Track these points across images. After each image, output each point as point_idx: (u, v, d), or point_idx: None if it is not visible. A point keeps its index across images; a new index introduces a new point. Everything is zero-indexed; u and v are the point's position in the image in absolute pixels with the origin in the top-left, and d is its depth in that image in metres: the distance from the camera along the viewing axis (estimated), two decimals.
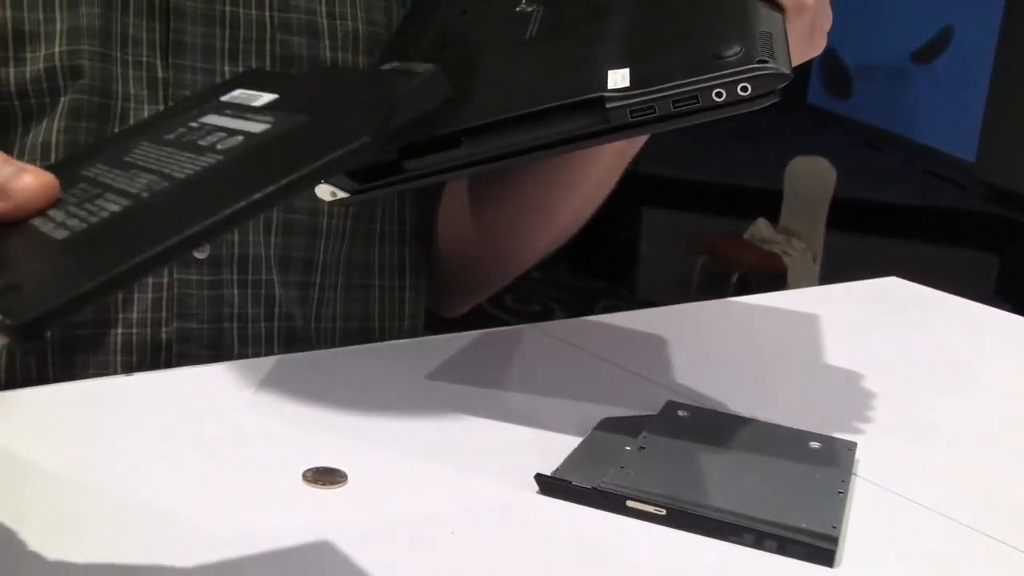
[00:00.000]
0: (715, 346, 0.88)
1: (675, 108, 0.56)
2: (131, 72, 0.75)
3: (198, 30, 0.76)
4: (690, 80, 0.56)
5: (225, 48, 0.77)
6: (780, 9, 0.64)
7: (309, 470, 0.59)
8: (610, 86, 0.58)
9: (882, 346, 0.93)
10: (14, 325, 0.36)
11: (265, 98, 0.53)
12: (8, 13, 0.72)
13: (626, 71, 0.58)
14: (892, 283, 1.15)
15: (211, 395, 0.69)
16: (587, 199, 0.87)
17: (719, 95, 0.55)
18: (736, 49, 0.56)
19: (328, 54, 0.80)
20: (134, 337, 0.77)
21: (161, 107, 0.76)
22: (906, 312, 1.05)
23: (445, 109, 0.51)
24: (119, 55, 0.75)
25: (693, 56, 0.57)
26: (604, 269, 5.16)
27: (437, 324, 1.00)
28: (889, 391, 0.81)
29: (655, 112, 0.57)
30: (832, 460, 0.65)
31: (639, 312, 0.94)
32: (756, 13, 0.62)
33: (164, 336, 0.77)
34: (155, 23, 0.76)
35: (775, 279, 4.57)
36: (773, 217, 4.65)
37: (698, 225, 4.93)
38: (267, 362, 0.75)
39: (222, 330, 0.79)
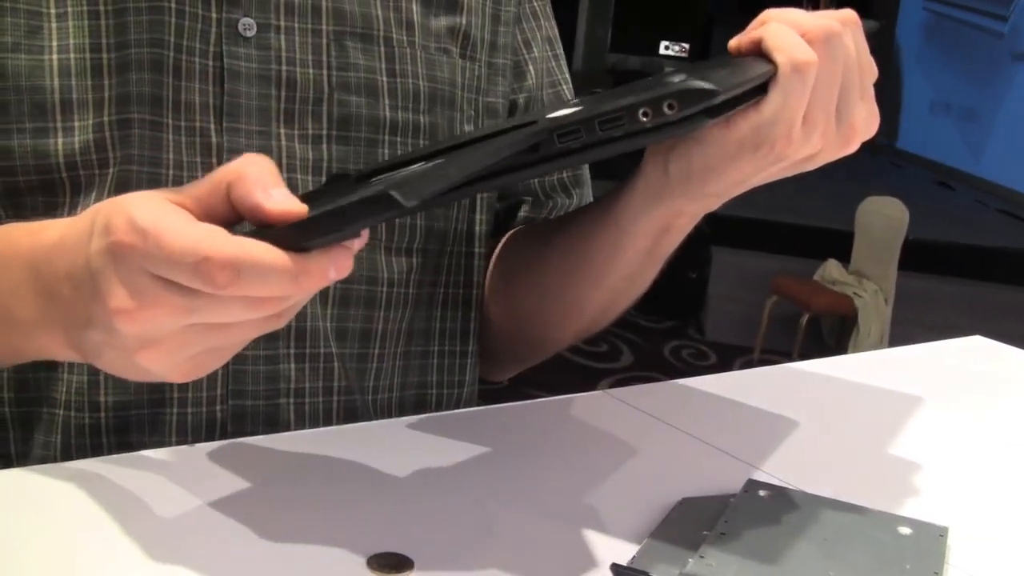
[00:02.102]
0: (793, 415, 0.84)
1: (602, 131, 0.54)
2: (183, 138, 0.73)
3: (253, 91, 0.74)
4: (616, 103, 0.54)
5: (281, 109, 0.75)
6: (774, 65, 0.61)
7: (374, 557, 0.56)
8: (549, 115, 0.56)
9: (970, 416, 0.89)
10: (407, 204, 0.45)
11: None
12: (55, 82, 0.69)
13: (578, 108, 0.56)
14: (977, 343, 1.11)
15: (267, 471, 0.67)
16: (615, 295, 0.83)
17: (645, 115, 0.53)
18: (680, 77, 0.54)
19: (388, 113, 0.78)
20: (189, 417, 0.75)
21: None
22: (994, 377, 1.01)
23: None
24: (170, 121, 0.72)
25: (641, 91, 0.55)
26: (673, 309, 5.12)
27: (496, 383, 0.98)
28: (980, 468, 0.78)
29: (582, 136, 0.55)
30: (923, 548, 0.62)
31: (714, 377, 0.91)
32: (737, 61, 0.60)
33: (219, 415, 0.75)
34: (208, 86, 0.73)
35: (846, 321, 4.51)
36: (844, 258, 4.60)
37: (768, 266, 4.88)
38: (324, 434, 0.73)
39: (278, 406, 0.77)
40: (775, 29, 0.62)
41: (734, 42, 0.65)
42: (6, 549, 0.55)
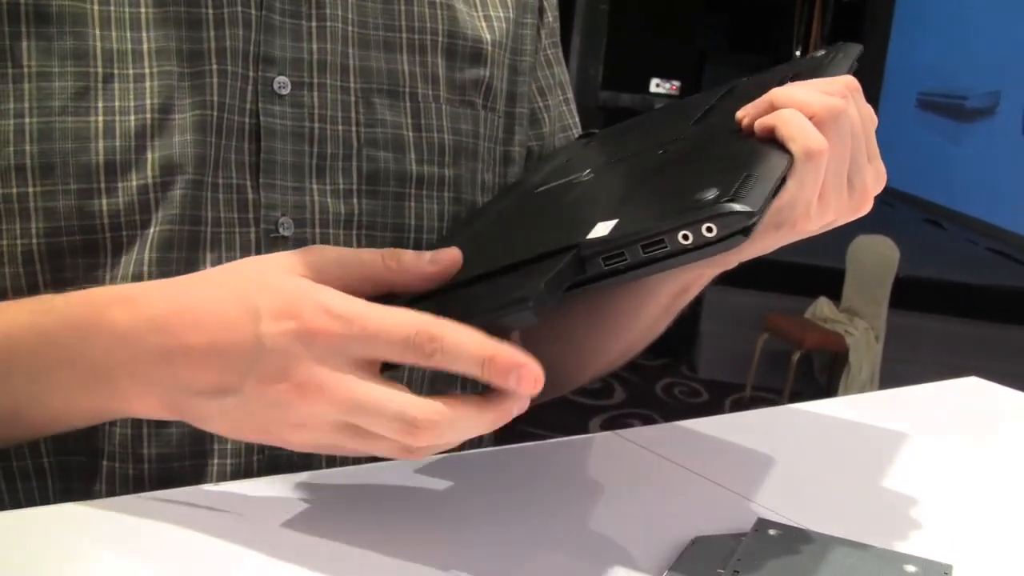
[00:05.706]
0: (798, 455, 0.86)
1: (645, 253, 0.56)
2: (221, 196, 0.74)
3: (288, 148, 0.76)
4: (658, 225, 0.55)
5: (313, 165, 0.77)
6: (789, 155, 0.62)
7: None
8: (591, 236, 0.57)
9: (970, 456, 0.91)
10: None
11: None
12: (100, 144, 0.70)
13: (613, 222, 0.58)
14: (973, 384, 1.13)
15: (278, 511, 0.68)
16: (633, 343, 0.86)
17: (685, 238, 0.55)
18: (714, 192, 0.55)
19: (414, 168, 0.81)
20: (229, 467, 0.76)
21: (251, 230, 0.75)
22: (991, 418, 1.04)
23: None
24: (210, 180, 0.74)
25: (675, 202, 0.57)
26: (665, 346, 5.14)
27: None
28: (982, 507, 0.79)
29: (626, 259, 0.56)
30: None
31: (720, 418, 0.93)
32: (758, 158, 0.61)
33: (256, 464, 0.77)
34: (245, 143, 0.75)
35: (837, 359, 4.53)
36: (835, 296, 4.62)
37: (759, 303, 4.91)
38: (336, 475, 0.75)
39: (310, 455, 0.79)
40: (788, 116, 0.63)
41: (746, 120, 0.66)
42: None
